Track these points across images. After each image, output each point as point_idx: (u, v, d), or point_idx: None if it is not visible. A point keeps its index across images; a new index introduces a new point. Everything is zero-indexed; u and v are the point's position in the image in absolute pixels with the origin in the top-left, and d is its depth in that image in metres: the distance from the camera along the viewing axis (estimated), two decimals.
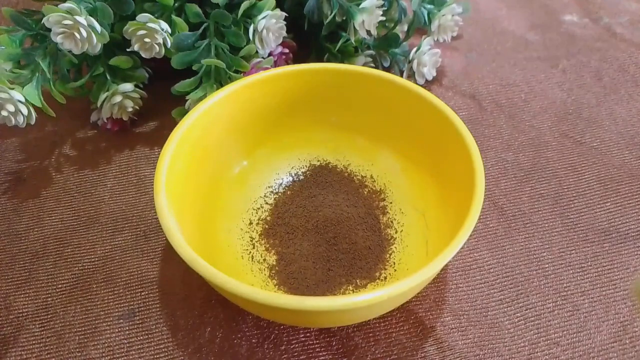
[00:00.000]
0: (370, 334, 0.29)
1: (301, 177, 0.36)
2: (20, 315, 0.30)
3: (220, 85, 0.36)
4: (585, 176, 0.37)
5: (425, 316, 0.30)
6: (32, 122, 0.34)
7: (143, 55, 0.35)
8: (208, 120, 0.31)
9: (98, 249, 0.33)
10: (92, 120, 0.40)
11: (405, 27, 0.45)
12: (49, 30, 0.33)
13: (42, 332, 0.29)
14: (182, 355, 0.28)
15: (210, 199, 0.32)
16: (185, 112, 0.35)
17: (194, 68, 0.36)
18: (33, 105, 0.34)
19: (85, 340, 0.29)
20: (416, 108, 0.32)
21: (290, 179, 0.36)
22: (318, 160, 0.36)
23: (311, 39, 0.44)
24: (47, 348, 0.28)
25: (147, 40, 0.34)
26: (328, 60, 0.42)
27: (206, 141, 0.32)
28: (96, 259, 0.32)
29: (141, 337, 0.29)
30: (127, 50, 0.35)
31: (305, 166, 0.36)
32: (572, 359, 0.28)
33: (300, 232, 0.32)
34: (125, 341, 0.29)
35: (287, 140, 0.36)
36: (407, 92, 0.32)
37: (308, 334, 0.29)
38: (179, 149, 0.29)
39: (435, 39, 0.45)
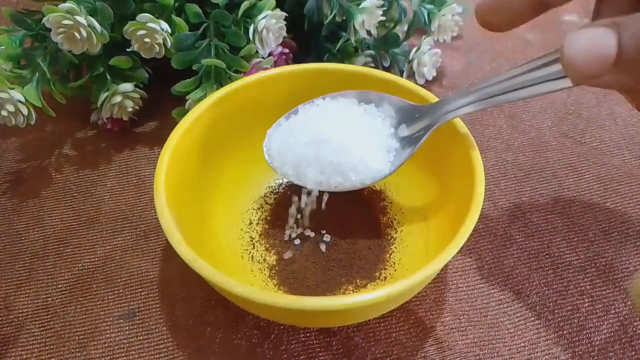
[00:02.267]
0: (370, 334, 0.29)
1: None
2: (20, 315, 0.30)
3: (221, 85, 0.36)
4: (585, 176, 0.37)
5: (425, 316, 0.30)
6: (32, 122, 0.34)
7: (143, 55, 0.35)
8: (208, 120, 0.31)
9: (98, 249, 0.33)
10: (92, 120, 0.40)
11: (405, 27, 0.45)
12: (49, 30, 0.33)
13: (42, 332, 0.29)
14: (182, 356, 0.28)
15: (210, 199, 0.32)
16: (185, 112, 0.35)
17: (194, 68, 0.36)
18: (33, 106, 0.34)
19: (85, 340, 0.29)
20: None
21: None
22: None
23: (311, 39, 0.44)
24: (47, 348, 0.28)
25: (147, 40, 0.34)
26: (328, 60, 0.42)
27: (206, 141, 0.32)
28: (96, 259, 0.32)
29: (141, 337, 0.29)
30: (127, 50, 0.35)
31: None
32: (572, 359, 0.28)
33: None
34: (125, 341, 0.29)
35: None
36: (407, 92, 0.32)
37: (308, 334, 0.29)
38: (179, 149, 0.29)
39: (436, 39, 0.45)
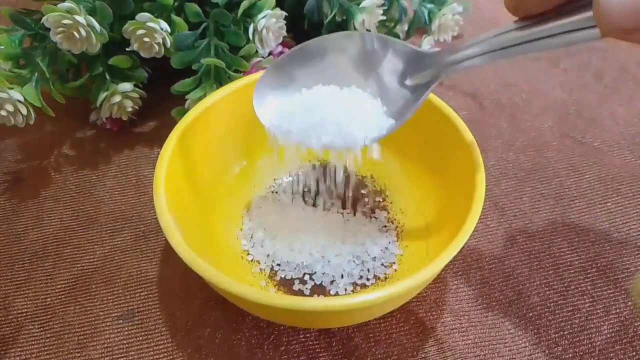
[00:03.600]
0: (371, 335, 0.29)
1: (301, 177, 0.36)
2: (20, 315, 0.30)
3: (220, 84, 0.36)
4: (586, 176, 0.37)
5: (426, 317, 0.29)
6: (32, 122, 0.34)
7: (142, 55, 0.35)
8: (207, 119, 0.31)
9: (97, 249, 0.33)
10: (92, 120, 0.40)
11: (406, 27, 0.45)
12: (48, 29, 0.33)
13: (41, 333, 0.29)
14: (181, 356, 0.28)
15: (210, 199, 0.32)
16: (185, 111, 0.35)
17: (193, 68, 0.36)
18: (32, 105, 0.34)
19: (85, 340, 0.29)
20: None
21: (290, 179, 0.36)
22: (318, 160, 0.36)
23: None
24: (46, 348, 0.28)
25: (146, 39, 0.34)
26: None
27: (206, 141, 0.31)
28: (95, 259, 0.32)
29: (140, 338, 0.29)
30: (127, 49, 0.35)
31: (305, 166, 0.36)
32: (573, 359, 0.28)
33: None
34: (125, 342, 0.29)
35: None
36: None
37: (308, 335, 0.29)
38: (179, 149, 0.29)
39: (436, 39, 0.45)
